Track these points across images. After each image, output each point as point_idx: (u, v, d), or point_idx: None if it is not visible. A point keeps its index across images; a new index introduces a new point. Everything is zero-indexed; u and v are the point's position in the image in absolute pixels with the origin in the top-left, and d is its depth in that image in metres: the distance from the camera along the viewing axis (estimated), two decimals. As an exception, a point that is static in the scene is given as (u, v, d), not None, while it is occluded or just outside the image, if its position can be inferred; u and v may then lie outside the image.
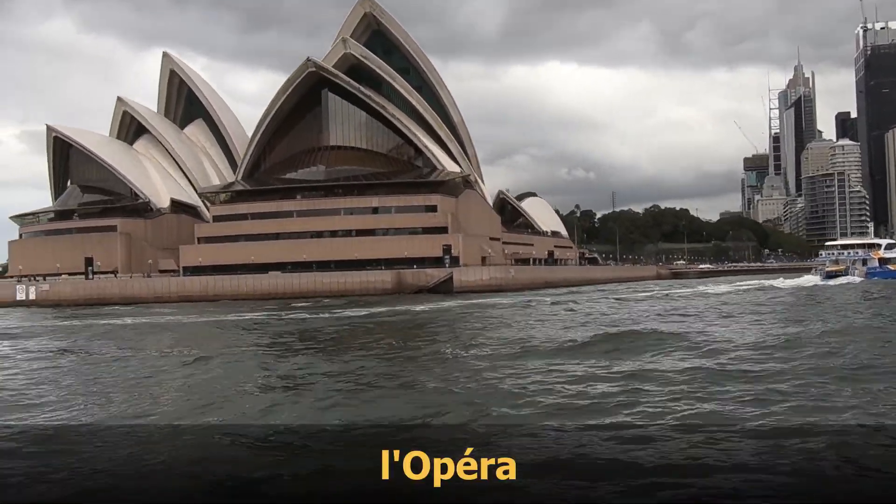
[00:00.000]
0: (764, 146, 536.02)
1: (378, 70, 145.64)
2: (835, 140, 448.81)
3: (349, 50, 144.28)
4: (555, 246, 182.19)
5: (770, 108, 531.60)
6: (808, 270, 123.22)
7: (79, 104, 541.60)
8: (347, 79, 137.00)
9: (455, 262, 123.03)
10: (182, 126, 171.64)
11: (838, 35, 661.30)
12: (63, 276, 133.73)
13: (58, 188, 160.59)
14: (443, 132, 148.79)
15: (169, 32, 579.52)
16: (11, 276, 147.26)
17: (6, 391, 22.04)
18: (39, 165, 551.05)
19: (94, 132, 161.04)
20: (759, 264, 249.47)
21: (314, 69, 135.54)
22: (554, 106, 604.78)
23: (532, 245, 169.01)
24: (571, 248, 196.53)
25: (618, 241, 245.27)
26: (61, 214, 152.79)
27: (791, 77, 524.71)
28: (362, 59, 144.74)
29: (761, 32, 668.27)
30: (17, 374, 26.97)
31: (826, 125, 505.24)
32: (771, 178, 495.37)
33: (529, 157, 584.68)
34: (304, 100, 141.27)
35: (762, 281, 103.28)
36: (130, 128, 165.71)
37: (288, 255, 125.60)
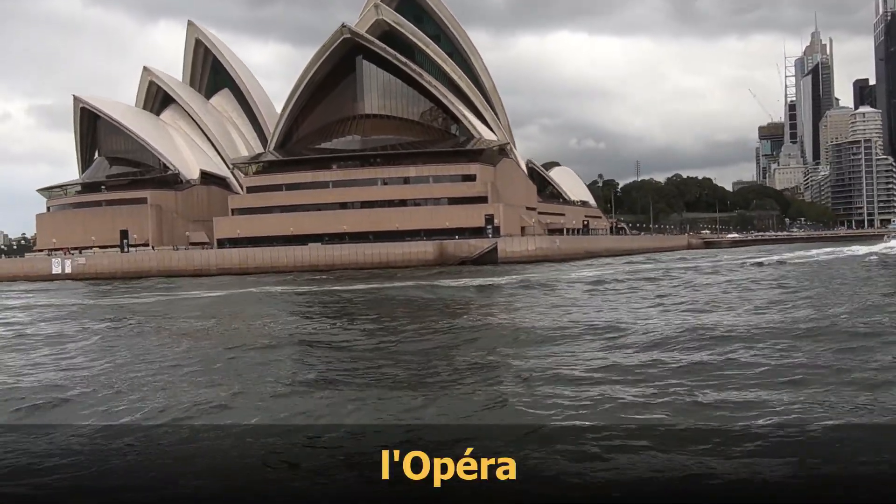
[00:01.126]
0: (779, 114, 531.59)
1: (411, 36, 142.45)
2: (852, 108, 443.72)
3: (381, 16, 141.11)
4: (586, 216, 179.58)
5: (786, 76, 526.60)
6: (856, 239, 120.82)
7: (87, 78, 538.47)
8: (383, 45, 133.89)
9: (496, 232, 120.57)
10: (208, 96, 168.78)
11: (852, 1, 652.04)
12: (94, 249, 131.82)
13: (85, 160, 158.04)
14: (477, 100, 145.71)
15: (176, 4, 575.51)
16: (41, 250, 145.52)
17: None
18: (49, 139, 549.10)
19: (120, 102, 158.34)
20: (785, 233, 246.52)
21: (349, 36, 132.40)
22: (564, 76, 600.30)
23: (564, 215, 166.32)
24: (601, 217, 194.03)
25: (651, 211, 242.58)
26: (89, 187, 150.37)
27: (808, 44, 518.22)
28: (395, 25, 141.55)
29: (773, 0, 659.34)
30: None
31: (843, 93, 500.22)
32: (787, 146, 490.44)
33: (540, 128, 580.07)
34: (337, 68, 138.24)
35: (833, 249, 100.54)
36: (157, 98, 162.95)
37: (326, 227, 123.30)
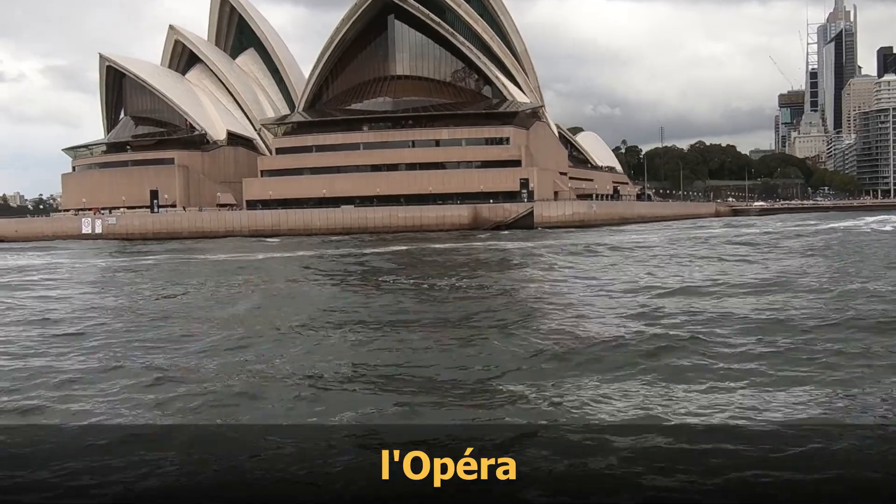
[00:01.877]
0: (799, 82, 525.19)
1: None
2: (876, 76, 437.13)
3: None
4: (613, 181, 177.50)
5: (808, 43, 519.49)
6: (888, 209, 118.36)
7: (101, 39, 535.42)
8: (416, 4, 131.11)
9: (530, 196, 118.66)
10: (233, 56, 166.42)
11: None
12: (122, 209, 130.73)
13: (110, 120, 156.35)
14: (509, 61, 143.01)
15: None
16: (66, 210, 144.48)
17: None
18: (63, 100, 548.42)
19: (147, 61, 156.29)
20: (811, 202, 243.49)
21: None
22: (579, 41, 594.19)
23: (592, 180, 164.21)
24: (628, 183, 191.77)
25: (681, 177, 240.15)
26: (115, 147, 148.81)
27: (831, 11, 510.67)
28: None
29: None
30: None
31: (865, 61, 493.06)
32: (808, 114, 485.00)
33: (555, 93, 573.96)
34: (368, 28, 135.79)
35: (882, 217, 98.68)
36: (182, 57, 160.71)
37: (359, 189, 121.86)
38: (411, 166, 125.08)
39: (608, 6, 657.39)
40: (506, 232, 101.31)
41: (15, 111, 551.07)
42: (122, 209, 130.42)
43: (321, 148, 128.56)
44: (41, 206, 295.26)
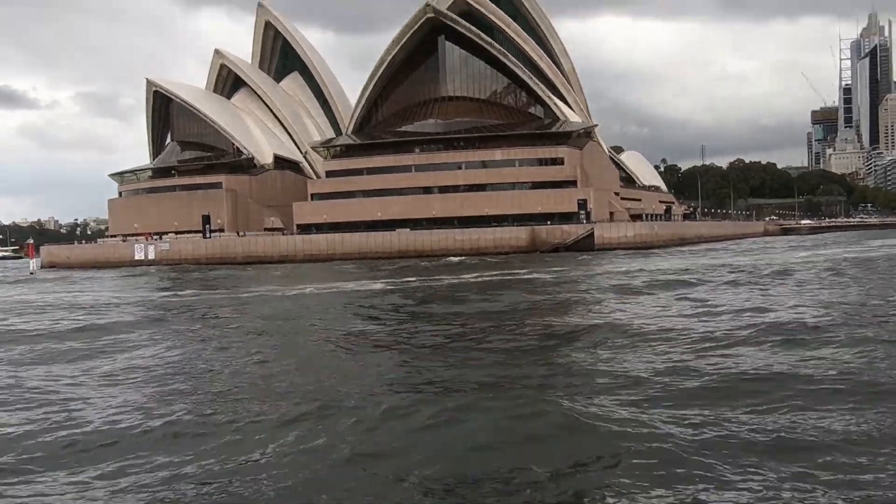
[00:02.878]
0: (832, 98, 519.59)
1: (490, 15, 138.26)
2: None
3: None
4: (661, 201, 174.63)
5: (840, 59, 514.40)
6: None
7: (134, 65, 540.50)
8: (468, 24, 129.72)
9: (587, 217, 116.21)
10: (277, 80, 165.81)
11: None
12: (171, 234, 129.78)
13: (156, 145, 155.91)
14: (558, 81, 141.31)
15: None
16: (114, 235, 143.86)
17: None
18: (96, 127, 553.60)
19: (192, 86, 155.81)
20: (857, 220, 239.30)
21: (433, 15, 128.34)
22: (606, 59, 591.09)
23: (640, 200, 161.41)
24: (674, 203, 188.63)
25: (731, 196, 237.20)
26: (162, 171, 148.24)
27: (864, 26, 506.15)
28: (474, 4, 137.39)
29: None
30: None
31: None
32: (843, 131, 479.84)
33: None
34: (416, 49, 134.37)
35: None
36: (227, 81, 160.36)
37: (413, 212, 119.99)
38: (464, 188, 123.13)
39: (636, 25, 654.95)
40: (565, 253, 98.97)
41: (48, 137, 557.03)
42: (171, 234, 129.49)
43: (372, 171, 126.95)
44: (77, 231, 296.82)
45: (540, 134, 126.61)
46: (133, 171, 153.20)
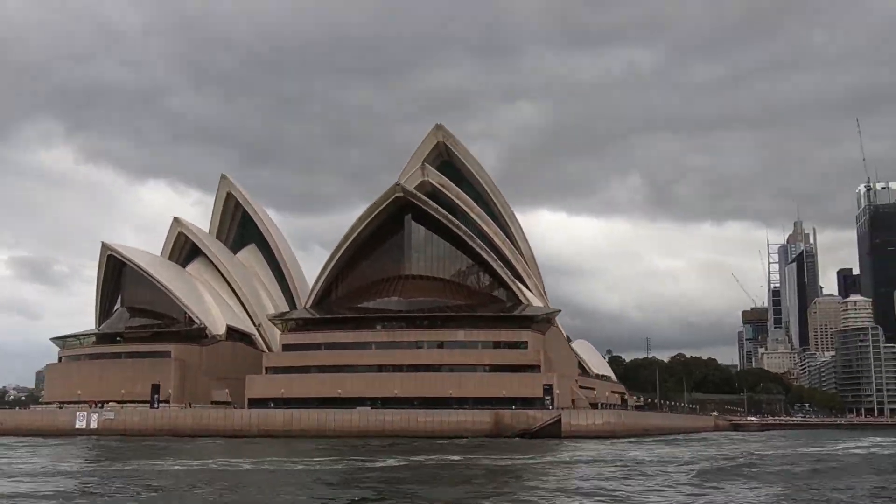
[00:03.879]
0: (762, 299, 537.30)
1: (455, 198, 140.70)
2: (837, 295, 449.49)
3: (427, 177, 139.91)
4: (612, 391, 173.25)
5: (770, 262, 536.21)
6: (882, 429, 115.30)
7: (69, 231, 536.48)
8: (436, 206, 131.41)
9: (552, 403, 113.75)
10: (234, 251, 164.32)
11: (828, 192, 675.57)
12: (110, 402, 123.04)
13: (104, 310, 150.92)
14: (520, 265, 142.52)
15: (164, 166, 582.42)
16: (50, 402, 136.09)
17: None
18: (24, 291, 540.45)
19: (148, 252, 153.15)
20: (799, 418, 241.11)
21: (401, 194, 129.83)
22: (541, 252, 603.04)
23: (594, 389, 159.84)
24: (625, 392, 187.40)
25: (684, 389, 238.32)
26: (108, 337, 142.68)
27: (790, 233, 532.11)
28: (440, 186, 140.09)
29: (747, 190, 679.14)
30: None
31: (826, 281, 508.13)
32: (774, 331, 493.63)
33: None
34: (383, 226, 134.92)
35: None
36: (184, 249, 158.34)
37: (373, 390, 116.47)
38: (426, 367, 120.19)
39: (570, 220, 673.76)
40: (533, 440, 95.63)
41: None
42: (112, 402, 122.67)
43: (331, 346, 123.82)
44: (5, 398, 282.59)
45: (504, 317, 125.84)
46: (76, 336, 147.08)
